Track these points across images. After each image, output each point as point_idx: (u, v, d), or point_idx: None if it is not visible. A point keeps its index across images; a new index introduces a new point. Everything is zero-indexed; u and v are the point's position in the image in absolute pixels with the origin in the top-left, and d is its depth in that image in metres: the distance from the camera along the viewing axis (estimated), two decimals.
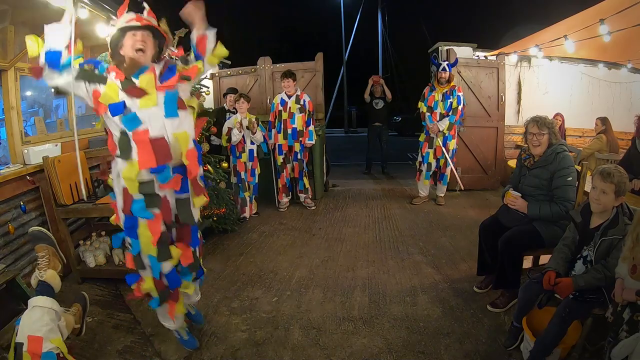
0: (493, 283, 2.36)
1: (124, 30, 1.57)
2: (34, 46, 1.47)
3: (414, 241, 3.36)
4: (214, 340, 2.05)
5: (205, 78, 3.83)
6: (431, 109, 4.19)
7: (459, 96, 4.09)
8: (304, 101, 4.07)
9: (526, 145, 2.26)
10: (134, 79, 1.55)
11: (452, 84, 4.14)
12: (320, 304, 2.40)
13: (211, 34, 1.69)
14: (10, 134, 2.66)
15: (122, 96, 1.52)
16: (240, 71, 5.09)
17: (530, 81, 5.24)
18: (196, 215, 1.78)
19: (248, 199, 3.98)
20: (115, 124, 1.55)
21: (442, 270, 2.79)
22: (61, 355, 1.47)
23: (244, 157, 3.85)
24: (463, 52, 4.86)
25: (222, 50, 1.77)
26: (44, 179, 2.56)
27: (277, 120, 4.12)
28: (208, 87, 4.56)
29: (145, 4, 1.60)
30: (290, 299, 2.46)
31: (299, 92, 4.10)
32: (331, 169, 5.48)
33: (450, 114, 4.11)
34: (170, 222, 1.69)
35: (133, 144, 1.53)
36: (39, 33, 1.53)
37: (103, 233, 2.90)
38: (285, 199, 4.38)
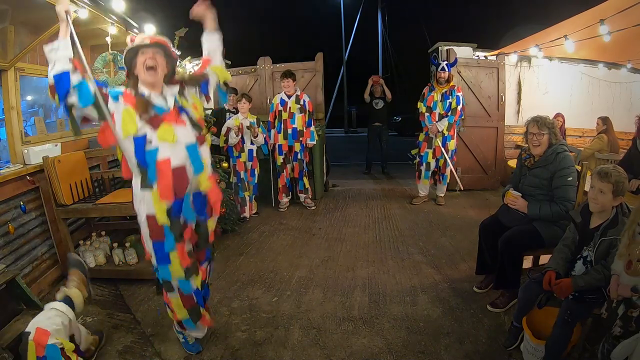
0: (493, 283, 2.36)
1: (135, 51, 1.57)
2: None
3: (414, 241, 3.36)
4: (214, 340, 2.05)
5: None
6: (430, 109, 4.18)
7: (458, 96, 4.08)
8: (304, 101, 4.07)
9: (527, 145, 2.26)
10: (153, 109, 1.55)
11: (451, 84, 4.14)
12: (320, 304, 2.40)
13: (218, 37, 1.75)
14: (10, 134, 2.66)
15: (139, 125, 1.52)
16: (240, 71, 5.09)
17: (530, 81, 5.24)
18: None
19: (248, 198, 3.98)
20: (129, 152, 1.54)
21: (442, 270, 2.79)
22: (65, 351, 1.51)
23: (244, 157, 3.86)
24: (463, 52, 4.86)
25: (227, 75, 1.85)
26: (44, 179, 2.56)
27: (276, 120, 4.12)
28: None
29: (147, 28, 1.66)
30: (290, 299, 2.46)
31: (298, 92, 4.10)
32: (331, 169, 5.48)
33: (449, 114, 4.10)
34: (194, 243, 1.74)
35: (154, 172, 1.54)
36: (39, 33, 1.53)
37: (103, 233, 2.90)
38: (285, 199, 4.38)
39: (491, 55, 5.14)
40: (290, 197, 4.50)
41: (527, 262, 2.47)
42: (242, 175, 3.87)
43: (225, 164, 3.72)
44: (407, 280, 2.66)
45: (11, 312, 2.03)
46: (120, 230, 3.13)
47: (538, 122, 2.14)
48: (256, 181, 4.04)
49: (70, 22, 1.51)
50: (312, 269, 2.87)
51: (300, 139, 4.11)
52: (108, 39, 3.08)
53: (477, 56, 5.07)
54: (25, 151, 2.64)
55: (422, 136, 4.33)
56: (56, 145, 2.92)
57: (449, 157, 4.21)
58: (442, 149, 4.18)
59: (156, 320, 2.26)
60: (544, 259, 2.34)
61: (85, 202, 2.68)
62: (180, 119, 1.60)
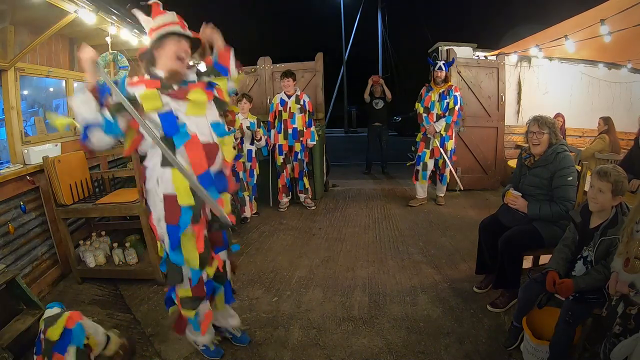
0: (493, 283, 2.36)
1: (165, 35, 1.50)
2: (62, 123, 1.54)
3: (414, 241, 3.36)
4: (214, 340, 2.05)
5: None
6: (428, 110, 4.15)
7: (455, 96, 4.04)
8: (304, 101, 4.07)
9: (527, 145, 2.26)
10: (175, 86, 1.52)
11: (449, 83, 4.11)
12: (320, 304, 2.40)
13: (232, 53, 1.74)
14: (10, 134, 2.66)
15: (165, 100, 1.47)
16: (240, 71, 5.08)
17: (530, 81, 5.24)
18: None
19: (247, 198, 3.98)
20: (154, 129, 1.47)
21: (442, 270, 2.79)
22: (88, 343, 1.65)
23: (243, 157, 3.86)
24: (463, 52, 4.86)
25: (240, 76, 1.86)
26: (44, 179, 2.56)
27: (276, 120, 4.12)
28: None
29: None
30: (290, 299, 2.46)
31: (298, 92, 4.10)
32: (331, 169, 5.48)
33: (447, 114, 4.07)
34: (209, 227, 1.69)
35: (181, 149, 1.50)
36: (39, 33, 1.53)
37: (103, 233, 2.90)
38: (285, 199, 4.38)
39: (491, 55, 5.14)
40: (290, 197, 4.50)
41: (527, 262, 2.47)
42: (241, 175, 3.87)
43: None
44: (407, 280, 2.66)
45: (11, 312, 2.03)
46: (120, 230, 3.13)
47: (539, 121, 2.14)
48: (255, 182, 4.04)
49: (102, 71, 1.49)
50: (312, 269, 2.87)
51: (301, 139, 4.11)
52: (108, 39, 3.08)
53: (477, 56, 5.07)
54: (25, 151, 2.65)
55: (419, 136, 4.29)
56: (56, 145, 2.92)
57: (447, 158, 4.19)
58: (441, 149, 4.15)
59: (156, 320, 2.26)
60: (544, 259, 2.35)
61: (85, 202, 2.68)
62: (208, 92, 1.58)
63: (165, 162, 1.50)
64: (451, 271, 2.77)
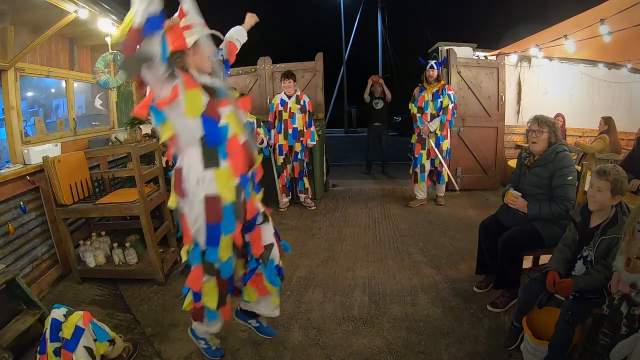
0: (493, 283, 2.36)
1: (201, 38, 1.49)
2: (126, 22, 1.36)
3: (414, 241, 3.36)
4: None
5: None
6: (422, 110, 4.12)
7: (449, 95, 4.02)
8: (304, 101, 4.07)
9: (527, 145, 2.27)
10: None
11: (441, 82, 4.08)
12: (320, 304, 2.40)
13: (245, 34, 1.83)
14: (10, 134, 2.66)
15: (205, 102, 1.46)
16: (240, 71, 5.08)
17: (530, 81, 5.24)
18: None
19: None
20: (194, 131, 1.46)
21: (442, 270, 2.79)
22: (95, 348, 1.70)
23: None
24: (463, 52, 4.86)
25: None
26: (44, 179, 2.56)
27: (277, 120, 4.12)
28: None
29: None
30: (290, 299, 2.45)
31: (298, 92, 4.10)
32: (331, 169, 5.48)
33: (441, 113, 4.04)
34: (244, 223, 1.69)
35: (224, 150, 1.50)
36: (39, 33, 1.51)
37: (103, 233, 2.90)
38: (285, 199, 4.38)
39: (491, 55, 5.14)
40: (290, 197, 4.50)
41: (527, 262, 2.47)
42: None
43: None
44: (407, 280, 2.66)
45: (11, 312, 2.03)
46: (120, 230, 3.13)
47: (539, 119, 2.16)
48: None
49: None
50: (312, 269, 2.87)
51: (301, 139, 4.11)
52: (108, 39, 3.08)
53: (477, 56, 5.07)
54: (25, 151, 2.65)
55: (414, 137, 4.26)
56: (56, 145, 2.92)
57: (442, 158, 4.13)
58: (436, 150, 4.11)
59: (156, 320, 2.27)
60: (544, 259, 2.34)
61: (85, 202, 2.68)
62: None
63: (208, 164, 1.49)
64: (451, 271, 2.77)
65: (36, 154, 2.64)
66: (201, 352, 1.93)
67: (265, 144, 3.89)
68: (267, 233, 1.76)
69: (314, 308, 2.35)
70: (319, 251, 3.21)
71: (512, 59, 5.02)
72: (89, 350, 1.67)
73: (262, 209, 1.75)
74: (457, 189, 4.51)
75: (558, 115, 4.59)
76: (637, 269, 1.38)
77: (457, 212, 4.18)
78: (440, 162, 4.17)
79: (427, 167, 4.22)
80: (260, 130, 3.82)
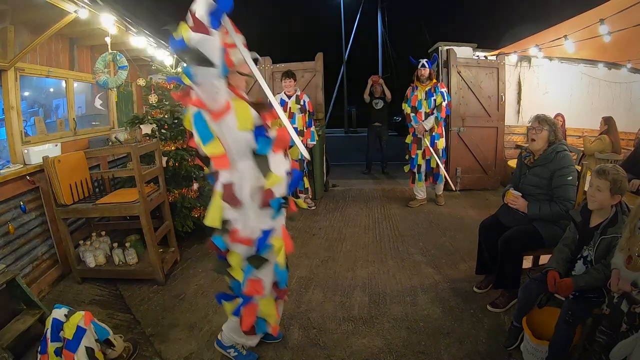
0: (493, 283, 2.36)
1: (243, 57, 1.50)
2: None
3: (414, 241, 3.36)
4: (214, 340, 2.05)
5: None
6: (415, 109, 4.11)
7: (442, 92, 4.01)
8: (304, 101, 4.07)
9: (527, 144, 2.27)
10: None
11: (434, 81, 4.07)
12: (320, 304, 2.40)
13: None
14: (10, 134, 2.66)
15: (254, 116, 1.49)
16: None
17: (530, 81, 5.24)
18: None
19: None
20: (247, 145, 1.49)
21: (442, 270, 2.79)
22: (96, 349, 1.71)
23: None
24: (463, 52, 4.86)
25: None
26: (44, 179, 2.56)
27: None
28: None
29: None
30: (290, 299, 2.45)
31: (298, 92, 4.10)
32: (331, 169, 5.47)
33: (435, 111, 4.02)
34: None
35: (271, 157, 1.53)
36: (39, 33, 1.50)
37: (103, 233, 2.90)
38: None
39: (491, 55, 5.14)
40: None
41: (527, 262, 2.47)
42: None
43: None
44: (407, 280, 2.66)
45: (11, 312, 2.03)
46: (120, 230, 3.13)
47: (540, 117, 2.17)
48: None
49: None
50: (312, 269, 2.87)
51: (301, 139, 4.11)
52: (107, 39, 3.08)
53: (477, 56, 5.07)
54: (25, 151, 2.65)
55: (409, 138, 4.25)
56: (56, 145, 2.92)
57: (438, 158, 4.10)
58: (431, 149, 4.09)
59: (156, 320, 2.27)
60: (544, 259, 2.34)
61: (85, 202, 2.68)
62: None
63: (264, 172, 1.51)
64: (451, 271, 2.77)
65: (36, 154, 2.64)
66: (201, 351, 1.93)
67: None
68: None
69: (314, 308, 2.35)
70: (319, 251, 3.21)
71: (512, 59, 5.02)
72: (90, 350, 1.67)
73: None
74: (455, 189, 4.48)
75: (558, 115, 4.59)
76: (638, 267, 1.38)
77: (457, 212, 4.18)
78: (437, 162, 4.13)
79: (423, 166, 4.21)
80: None
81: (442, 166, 4.17)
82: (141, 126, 3.33)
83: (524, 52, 4.93)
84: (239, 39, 1.43)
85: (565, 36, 3.75)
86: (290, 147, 1.67)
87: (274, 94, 4.56)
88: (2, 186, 2.35)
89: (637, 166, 2.87)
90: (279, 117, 1.53)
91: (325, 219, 4.03)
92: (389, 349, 1.95)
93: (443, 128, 4.18)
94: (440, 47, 4.89)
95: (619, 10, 2.88)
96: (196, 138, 1.46)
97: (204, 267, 2.96)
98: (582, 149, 4.35)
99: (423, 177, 4.26)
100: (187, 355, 1.94)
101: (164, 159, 3.15)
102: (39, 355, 1.66)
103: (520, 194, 2.19)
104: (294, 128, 4.08)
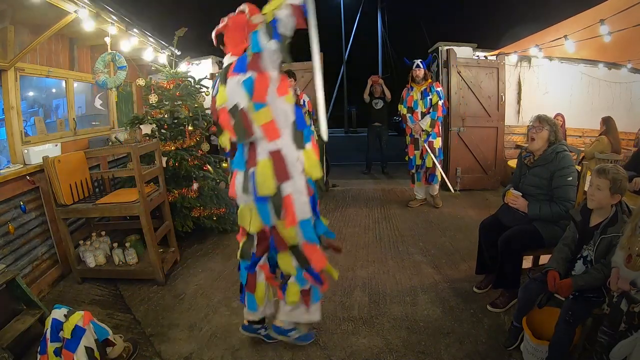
0: (493, 283, 2.36)
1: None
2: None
3: (413, 241, 3.36)
4: (214, 340, 2.05)
5: (205, 78, 3.83)
6: (411, 110, 4.10)
7: (438, 91, 3.99)
8: (304, 101, 4.07)
9: (527, 144, 2.27)
10: None
11: (429, 80, 4.06)
12: (320, 303, 2.39)
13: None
14: (10, 134, 2.67)
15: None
16: None
17: (530, 81, 5.24)
18: None
19: None
20: (289, 116, 1.63)
21: (442, 270, 2.79)
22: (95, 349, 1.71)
23: None
24: (463, 52, 4.86)
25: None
26: (44, 179, 2.56)
27: None
28: (208, 87, 4.57)
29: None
30: None
31: (298, 92, 4.10)
32: (331, 169, 5.47)
33: (431, 110, 4.00)
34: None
35: (306, 134, 1.69)
36: (39, 33, 1.51)
37: (103, 233, 2.90)
38: None
39: (491, 55, 5.14)
40: None
41: (527, 262, 2.47)
42: None
43: (225, 164, 3.73)
44: (407, 280, 2.66)
45: (11, 312, 2.03)
46: (120, 230, 3.13)
47: (540, 117, 2.17)
48: None
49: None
50: None
51: None
52: (107, 39, 3.08)
53: (477, 56, 5.07)
54: (25, 151, 2.65)
55: (407, 139, 4.24)
56: (56, 145, 2.92)
57: (435, 157, 4.07)
58: (427, 148, 4.06)
59: (156, 320, 2.27)
60: (544, 259, 2.34)
61: (85, 202, 2.68)
62: None
63: (299, 145, 1.64)
64: (451, 271, 2.77)
65: (36, 154, 2.64)
66: (201, 351, 1.92)
67: None
68: None
69: None
70: None
71: (512, 59, 5.01)
72: (89, 350, 1.67)
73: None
74: (453, 190, 4.41)
75: (558, 115, 4.58)
76: (638, 266, 1.38)
77: (457, 212, 4.18)
78: (433, 160, 4.07)
79: (421, 165, 4.18)
80: None
81: (438, 166, 4.13)
82: (141, 126, 3.33)
83: (524, 52, 4.93)
84: (314, 28, 1.56)
85: (565, 36, 3.75)
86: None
87: None
88: (2, 186, 2.35)
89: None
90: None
91: (325, 219, 4.01)
92: (389, 349, 1.95)
93: (440, 127, 4.15)
94: (440, 47, 4.89)
95: (619, 11, 2.88)
96: (244, 103, 1.54)
97: (204, 267, 2.96)
98: (582, 148, 4.35)
99: (422, 177, 4.24)
100: (187, 355, 1.94)
101: (164, 159, 3.15)
102: (38, 356, 1.66)
103: (521, 194, 2.19)
104: None
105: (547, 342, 1.67)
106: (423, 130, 4.05)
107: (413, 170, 4.25)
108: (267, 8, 1.51)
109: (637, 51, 4.12)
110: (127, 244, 2.78)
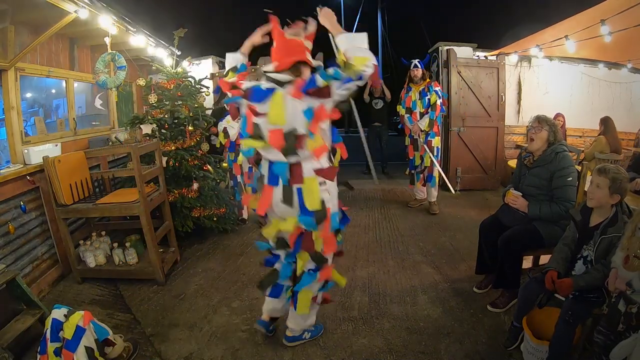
0: (493, 283, 2.36)
1: None
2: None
3: (413, 241, 3.36)
4: (214, 340, 2.05)
5: (205, 78, 3.83)
6: (410, 110, 4.08)
7: (436, 91, 3.96)
8: None
9: (527, 144, 2.27)
10: None
11: (427, 80, 4.04)
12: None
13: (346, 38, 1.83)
14: (10, 134, 2.67)
15: None
16: None
17: (531, 81, 5.24)
18: None
19: None
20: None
21: (442, 270, 2.79)
22: (95, 349, 1.71)
23: (240, 159, 3.84)
24: (463, 52, 4.86)
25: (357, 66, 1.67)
26: (44, 179, 2.56)
27: None
28: (208, 87, 4.57)
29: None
30: None
31: None
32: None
33: (429, 110, 3.98)
34: None
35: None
36: (39, 33, 1.51)
37: (103, 233, 2.90)
38: None
39: (491, 55, 5.14)
40: None
41: (527, 262, 2.47)
42: (239, 179, 3.85)
43: (225, 164, 3.73)
44: (407, 280, 2.66)
45: (11, 312, 2.03)
46: (120, 230, 3.13)
47: (539, 118, 2.17)
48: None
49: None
50: None
51: None
52: (107, 39, 3.08)
53: (477, 56, 5.07)
54: (25, 151, 2.65)
55: (407, 140, 4.22)
56: (56, 145, 2.92)
57: (433, 157, 4.03)
58: (426, 147, 4.04)
59: (156, 320, 2.27)
60: (544, 259, 2.35)
61: (85, 202, 2.68)
62: None
63: (331, 160, 1.78)
64: (451, 271, 2.77)
65: (36, 154, 2.64)
66: (201, 351, 1.92)
67: None
68: None
69: None
70: None
71: (512, 59, 5.02)
72: (89, 350, 1.67)
73: None
74: (453, 191, 4.40)
75: (558, 115, 4.58)
76: (635, 267, 1.38)
77: (457, 212, 4.18)
78: (431, 159, 4.03)
79: (420, 166, 4.16)
80: None
81: (437, 166, 4.08)
82: (141, 126, 3.33)
83: (524, 52, 4.93)
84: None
85: (566, 36, 3.74)
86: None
87: None
88: (2, 186, 2.35)
89: None
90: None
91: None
92: (389, 349, 1.95)
93: (439, 127, 4.12)
94: (440, 47, 4.89)
95: (619, 11, 2.88)
96: (301, 130, 1.62)
97: (204, 267, 2.96)
98: (582, 149, 4.35)
99: (421, 178, 4.23)
100: (187, 355, 1.94)
101: (164, 159, 3.15)
102: (38, 356, 1.66)
103: (521, 194, 2.19)
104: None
105: (547, 342, 1.67)
106: (422, 131, 4.05)
107: (413, 171, 4.25)
108: (356, 59, 1.60)
109: (638, 51, 4.12)
110: (127, 244, 2.78)
